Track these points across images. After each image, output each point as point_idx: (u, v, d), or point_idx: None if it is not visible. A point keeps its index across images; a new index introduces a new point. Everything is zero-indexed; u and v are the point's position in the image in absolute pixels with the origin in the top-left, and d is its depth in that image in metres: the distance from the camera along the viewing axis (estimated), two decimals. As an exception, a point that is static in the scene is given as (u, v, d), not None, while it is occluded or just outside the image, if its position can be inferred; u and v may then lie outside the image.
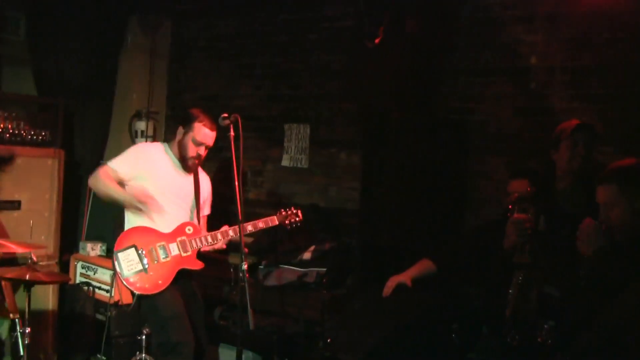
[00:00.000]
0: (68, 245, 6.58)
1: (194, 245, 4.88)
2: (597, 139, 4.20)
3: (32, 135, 6.07)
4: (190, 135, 4.94)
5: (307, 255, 5.72)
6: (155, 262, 4.76)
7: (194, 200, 5.10)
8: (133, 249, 4.75)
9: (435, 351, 4.57)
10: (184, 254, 4.85)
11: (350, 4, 6.20)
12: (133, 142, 7.36)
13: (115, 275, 4.92)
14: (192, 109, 5.09)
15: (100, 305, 5.97)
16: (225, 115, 4.45)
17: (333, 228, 6.12)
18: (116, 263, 4.71)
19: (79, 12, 6.80)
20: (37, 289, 4.65)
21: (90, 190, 7.10)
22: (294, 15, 6.84)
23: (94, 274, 6.17)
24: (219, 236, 4.93)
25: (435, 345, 4.58)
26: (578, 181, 4.23)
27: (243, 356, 4.31)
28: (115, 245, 4.77)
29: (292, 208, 5.21)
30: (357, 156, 6.30)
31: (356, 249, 5.77)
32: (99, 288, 6.04)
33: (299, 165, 6.70)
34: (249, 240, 5.94)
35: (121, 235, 4.82)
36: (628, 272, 3.30)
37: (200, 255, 4.98)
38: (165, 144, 5.12)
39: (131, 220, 4.94)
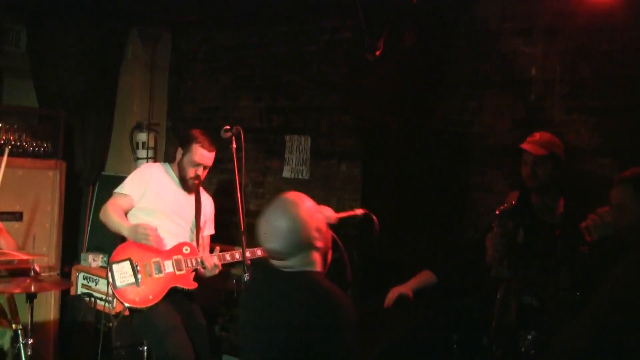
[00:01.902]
0: (69, 256, 6.61)
1: (189, 264, 4.92)
2: (543, 159, 4.23)
3: (33, 147, 6.11)
4: (189, 156, 5.02)
5: (307, 267, 5.73)
6: (148, 277, 4.79)
7: (194, 221, 5.17)
8: (128, 262, 4.78)
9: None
10: (177, 272, 4.88)
11: (349, 16, 6.23)
12: (134, 154, 7.38)
13: (108, 285, 4.95)
14: (192, 130, 5.14)
15: (101, 316, 5.98)
16: (227, 127, 4.48)
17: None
18: (109, 274, 4.74)
19: (79, 25, 6.85)
20: (38, 300, 4.67)
21: (91, 201, 7.15)
22: (292, 27, 6.87)
23: (95, 285, 6.20)
24: (215, 258, 4.97)
25: (436, 356, 4.61)
26: (544, 194, 4.30)
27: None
28: (112, 256, 4.81)
29: None
30: (357, 168, 6.32)
31: (356, 260, 5.78)
32: (100, 299, 6.07)
33: (300, 176, 6.73)
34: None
35: (119, 247, 4.86)
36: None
37: (197, 276, 5.02)
38: (167, 164, 5.22)
39: None
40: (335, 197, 6.49)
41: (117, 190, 5.04)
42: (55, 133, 6.31)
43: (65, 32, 6.83)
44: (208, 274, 4.99)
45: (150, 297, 4.76)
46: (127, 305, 4.77)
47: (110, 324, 5.80)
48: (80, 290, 6.35)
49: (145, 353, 4.99)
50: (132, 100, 7.54)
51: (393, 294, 4.57)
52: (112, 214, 4.90)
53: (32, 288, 4.34)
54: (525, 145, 4.28)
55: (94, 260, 6.51)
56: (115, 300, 5.69)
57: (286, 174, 6.83)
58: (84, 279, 6.36)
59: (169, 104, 7.90)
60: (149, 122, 7.51)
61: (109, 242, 6.20)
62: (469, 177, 5.74)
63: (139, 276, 4.76)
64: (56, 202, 6.18)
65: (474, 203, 5.68)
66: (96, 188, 7.22)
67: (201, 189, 5.25)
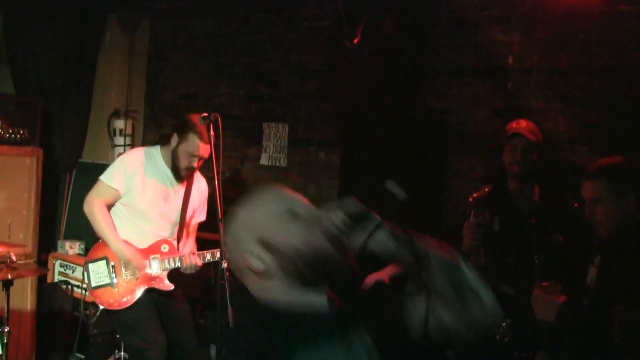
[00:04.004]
0: (46, 244, 6.57)
1: (167, 265, 4.76)
2: (534, 146, 4.25)
3: (10, 134, 6.06)
4: (185, 146, 4.72)
5: (286, 254, 5.74)
6: (124, 278, 4.70)
7: (179, 214, 4.92)
8: (104, 262, 4.69)
9: (413, 348, 4.61)
10: (154, 273, 4.75)
11: (328, 4, 6.22)
12: (111, 141, 7.34)
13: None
14: (190, 116, 4.77)
15: (78, 303, 5.96)
16: (205, 114, 4.45)
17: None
18: (85, 273, 4.67)
19: (57, 11, 6.79)
20: (15, 288, 4.64)
21: (68, 188, 7.11)
22: (272, 14, 6.85)
23: (73, 272, 6.17)
24: (195, 257, 4.80)
25: (413, 342, 4.62)
26: (524, 182, 4.31)
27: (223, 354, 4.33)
28: (88, 254, 4.74)
29: None
30: (336, 155, 6.33)
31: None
32: (78, 287, 6.04)
33: (277, 164, 6.73)
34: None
35: (96, 245, 4.76)
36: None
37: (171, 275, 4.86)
38: (157, 150, 4.91)
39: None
40: (313, 184, 6.50)
41: (105, 180, 4.73)
42: (33, 120, 6.26)
43: (43, 18, 6.77)
44: (187, 272, 4.82)
45: (125, 299, 4.67)
46: (101, 307, 4.74)
47: (88, 312, 5.79)
48: (57, 278, 6.32)
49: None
50: (110, 87, 7.49)
51: (370, 279, 4.58)
52: (102, 223, 4.67)
53: (9, 275, 4.32)
54: (521, 130, 4.27)
55: (71, 248, 6.47)
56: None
57: (264, 161, 6.83)
58: (60, 266, 6.33)
59: (147, 91, 7.86)
60: (126, 109, 7.47)
61: (86, 229, 6.16)
62: (448, 165, 5.77)
63: (114, 276, 4.68)
64: (33, 189, 6.13)
65: (453, 190, 5.70)
66: (73, 175, 7.19)
67: (197, 174, 4.95)
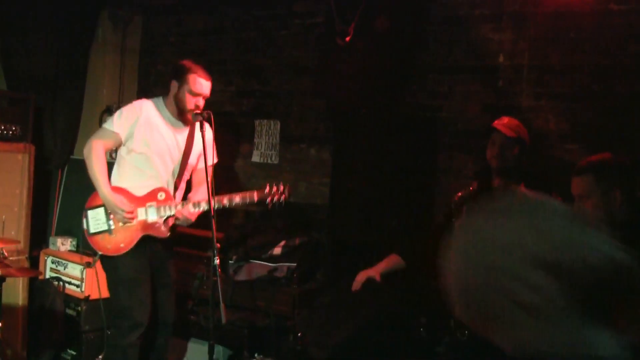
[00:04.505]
0: (38, 240, 6.57)
1: (162, 212, 4.82)
2: (513, 141, 4.31)
3: (2, 130, 6.06)
4: (186, 87, 4.79)
5: (277, 251, 5.76)
6: (121, 224, 4.77)
7: (180, 160, 4.96)
8: (102, 209, 4.78)
9: (404, 344, 4.64)
10: (150, 220, 4.82)
11: (321, 1, 6.24)
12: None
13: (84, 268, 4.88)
14: (182, 61, 4.93)
15: (70, 300, 5.98)
16: (198, 111, 4.47)
17: (303, 223, 6.16)
18: (84, 220, 4.78)
19: (49, 7, 6.78)
20: (7, 284, 4.66)
21: (60, 185, 7.10)
22: (264, 11, 6.85)
23: (64, 269, 6.17)
24: (191, 207, 4.82)
25: (403, 338, 4.66)
26: (508, 179, 4.36)
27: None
28: (88, 201, 4.82)
29: (281, 185, 4.93)
30: (327, 152, 6.35)
31: (326, 244, 5.82)
32: (69, 283, 6.05)
33: (269, 161, 6.74)
34: (219, 235, 5.97)
35: (94, 193, 4.81)
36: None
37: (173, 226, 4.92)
38: (159, 99, 4.97)
39: (117, 176, 4.91)
40: (304, 181, 6.52)
41: (106, 126, 4.86)
42: (25, 116, 6.25)
43: (35, 15, 6.76)
44: (182, 223, 4.91)
45: (122, 245, 4.76)
46: (99, 252, 4.79)
47: (80, 308, 5.80)
48: (49, 274, 6.32)
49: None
50: (102, 84, 7.47)
51: (361, 277, 4.61)
52: (96, 165, 4.73)
53: (0, 272, 4.33)
54: (498, 126, 4.33)
55: (63, 244, 6.48)
56: (84, 284, 5.73)
57: (255, 158, 6.84)
58: (52, 262, 6.33)
59: (139, 88, 7.85)
60: (118, 105, 7.44)
61: (78, 225, 6.18)
62: (439, 162, 5.79)
63: (112, 223, 4.77)
64: (25, 185, 6.13)
65: (443, 187, 5.73)
66: (65, 172, 7.18)
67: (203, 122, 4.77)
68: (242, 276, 5.73)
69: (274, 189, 4.90)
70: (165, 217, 4.84)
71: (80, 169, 4.99)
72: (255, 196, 4.89)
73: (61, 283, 6.10)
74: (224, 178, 6.89)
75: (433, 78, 5.83)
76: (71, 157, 7.25)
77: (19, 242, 5.92)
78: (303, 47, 6.57)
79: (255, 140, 6.82)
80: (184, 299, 5.82)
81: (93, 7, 7.30)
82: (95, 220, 4.77)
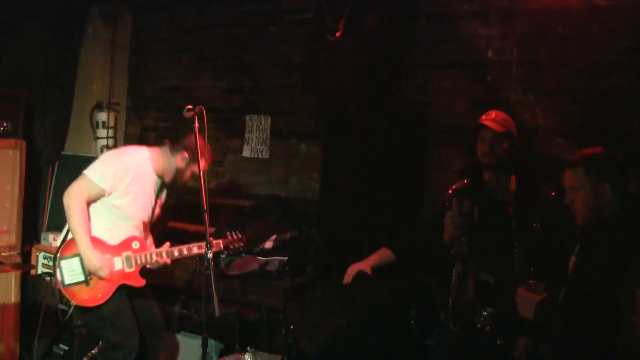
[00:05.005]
0: (29, 236, 6.58)
1: (139, 261, 4.80)
2: (502, 136, 4.33)
3: (-7, 127, 6.06)
4: (193, 168, 4.85)
5: (268, 245, 5.79)
6: (93, 273, 4.68)
7: (151, 214, 5.00)
8: (77, 259, 4.66)
9: (395, 337, 4.69)
10: (127, 270, 4.78)
11: (311, -3, 6.29)
12: (94, 133, 7.36)
13: (54, 279, 4.78)
14: (201, 140, 4.58)
15: (62, 295, 5.97)
16: (190, 107, 4.49)
17: (293, 218, 6.19)
18: (58, 270, 4.64)
19: (39, 3, 6.78)
20: (-2, 279, 4.66)
21: (51, 181, 7.12)
22: (254, 7, 6.88)
23: (56, 264, 6.17)
24: (164, 255, 4.86)
25: (394, 331, 4.70)
26: (499, 172, 4.41)
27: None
28: (61, 251, 4.69)
29: (238, 233, 5.08)
30: (317, 147, 6.39)
31: (317, 238, 5.85)
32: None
33: (259, 156, 6.77)
34: (211, 230, 5.99)
35: (69, 241, 4.71)
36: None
37: (143, 270, 4.91)
38: (146, 155, 4.91)
39: (91, 225, 4.79)
40: (295, 176, 6.56)
41: (93, 178, 4.68)
42: (16, 112, 6.25)
43: (25, 11, 6.76)
44: (155, 267, 4.91)
45: (100, 295, 4.69)
46: (74, 303, 4.73)
47: (72, 303, 5.81)
48: (40, 269, 6.33)
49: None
50: (92, 80, 7.49)
51: (352, 270, 4.65)
52: (77, 219, 4.61)
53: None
54: (486, 122, 4.36)
55: (54, 240, 6.47)
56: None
57: (246, 153, 6.88)
58: (44, 258, 6.34)
59: (129, 84, 7.87)
60: (109, 102, 7.49)
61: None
62: (428, 157, 5.84)
63: (88, 274, 4.66)
64: (16, 181, 6.12)
65: (433, 182, 5.77)
66: (56, 167, 7.19)
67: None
68: (233, 270, 5.76)
69: (233, 237, 5.03)
70: (140, 266, 4.84)
71: (71, 165, 4.96)
72: (196, 249, 4.91)
73: (53, 278, 6.10)
74: (214, 173, 6.94)
75: (422, 74, 5.88)
76: (62, 153, 7.26)
77: (9, 237, 5.93)
78: (293, 43, 6.60)
79: (246, 135, 6.85)
80: (176, 293, 5.85)
81: (83, 4, 7.31)
82: (70, 270, 4.64)
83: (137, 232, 4.90)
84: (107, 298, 4.70)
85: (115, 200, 4.74)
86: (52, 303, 6.01)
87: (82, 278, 4.65)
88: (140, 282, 4.85)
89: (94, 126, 7.39)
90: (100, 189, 4.67)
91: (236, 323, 5.50)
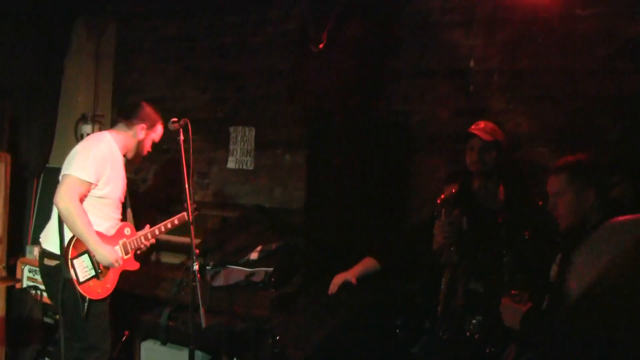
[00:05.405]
0: (14, 249, 6.57)
1: (133, 246, 4.98)
2: (490, 145, 4.38)
3: (-23, 140, 6.05)
4: (153, 135, 5.05)
5: (254, 256, 5.80)
6: (105, 267, 4.80)
7: (126, 190, 5.13)
8: (86, 255, 4.73)
9: (380, 346, 4.71)
10: (125, 257, 4.92)
11: (295, 8, 6.30)
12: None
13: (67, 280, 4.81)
14: (149, 106, 5.08)
15: (48, 308, 5.98)
16: (175, 119, 4.52)
17: (279, 228, 6.21)
18: (72, 270, 4.66)
19: (24, 15, 6.78)
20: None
21: (36, 193, 7.10)
22: (238, 17, 6.89)
23: (42, 277, 6.16)
24: (149, 236, 5.07)
25: (379, 340, 4.72)
26: (487, 181, 4.44)
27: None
28: (71, 252, 4.70)
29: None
30: (302, 157, 6.39)
31: (302, 248, 5.87)
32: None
33: (244, 167, 6.77)
34: (197, 241, 6.01)
35: (75, 241, 4.72)
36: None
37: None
38: (111, 136, 4.98)
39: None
40: (280, 186, 6.57)
41: (78, 175, 4.66)
42: (1, 125, 6.26)
43: (10, 23, 6.76)
44: (143, 249, 5.14)
45: (108, 286, 4.83)
46: (89, 298, 4.72)
47: (57, 316, 5.80)
48: (26, 283, 6.33)
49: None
50: (77, 92, 7.47)
51: (337, 280, 4.66)
52: (80, 221, 4.63)
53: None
54: (475, 131, 4.40)
55: (40, 253, 6.48)
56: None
57: (230, 165, 6.88)
58: (29, 271, 6.34)
59: (114, 95, 7.84)
60: (94, 114, 7.48)
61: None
62: (412, 165, 5.86)
63: (98, 267, 4.75)
64: (1, 194, 6.12)
65: (416, 190, 5.79)
66: (41, 180, 7.18)
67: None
68: (219, 281, 5.76)
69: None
70: (136, 250, 5.04)
71: (56, 178, 4.91)
72: (177, 220, 5.21)
73: (38, 292, 6.11)
74: (199, 184, 6.94)
75: (406, 83, 5.90)
76: (47, 165, 7.25)
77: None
78: (277, 54, 6.61)
79: (231, 147, 6.85)
80: (163, 305, 5.85)
81: (68, 15, 7.31)
82: (82, 268, 4.71)
83: (118, 213, 5.03)
84: (114, 287, 4.85)
85: (99, 191, 4.80)
86: (37, 316, 6.01)
87: (93, 273, 4.74)
88: (136, 266, 5.03)
89: (79, 138, 7.36)
90: (88, 183, 4.72)
91: (223, 334, 5.49)
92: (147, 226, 5.12)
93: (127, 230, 5.01)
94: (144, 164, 6.89)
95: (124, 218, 5.10)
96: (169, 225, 5.18)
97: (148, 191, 7.21)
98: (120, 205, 5.03)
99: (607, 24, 5.07)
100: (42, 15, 6.92)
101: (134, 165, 5.30)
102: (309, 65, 5.76)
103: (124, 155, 5.04)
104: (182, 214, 5.12)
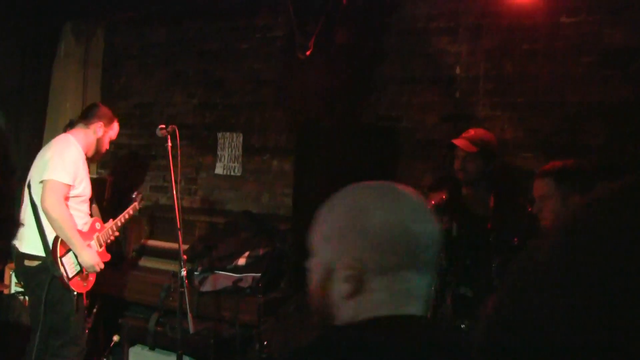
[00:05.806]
0: (2, 255, 6.54)
1: (105, 238, 5.21)
2: (473, 155, 4.42)
3: (-35, 146, 6.04)
4: (110, 133, 5.28)
5: (241, 261, 5.82)
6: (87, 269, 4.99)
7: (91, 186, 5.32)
8: (71, 253, 4.92)
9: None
10: (99, 249, 5.13)
11: (282, 14, 6.33)
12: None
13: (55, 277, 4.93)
14: (103, 106, 5.46)
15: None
16: (163, 126, 4.55)
17: (266, 234, 6.23)
18: (61, 268, 4.82)
19: (10, 21, 6.77)
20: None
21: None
22: (226, 23, 6.92)
23: (30, 283, 6.15)
24: (114, 227, 5.32)
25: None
26: (476, 188, 4.49)
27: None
28: (59, 251, 4.85)
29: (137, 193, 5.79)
30: (289, 163, 6.43)
31: (289, 253, 5.89)
32: (35, 297, 6.03)
33: (232, 173, 6.79)
34: (185, 247, 6.02)
35: (60, 242, 4.86)
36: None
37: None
38: (73, 139, 5.14)
39: None
40: (267, 192, 6.59)
41: (61, 180, 4.81)
42: (-13, 131, 6.25)
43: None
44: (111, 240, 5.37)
45: (91, 278, 5.05)
46: (75, 292, 4.90)
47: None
48: (13, 289, 6.31)
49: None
50: (65, 98, 7.45)
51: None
52: (69, 226, 4.85)
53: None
54: (456, 141, 4.44)
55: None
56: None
57: (218, 170, 6.90)
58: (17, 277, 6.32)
59: (102, 101, 7.79)
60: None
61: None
62: (399, 171, 5.89)
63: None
64: (-11, 200, 6.13)
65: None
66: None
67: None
68: (207, 287, 5.78)
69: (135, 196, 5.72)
70: (107, 242, 5.27)
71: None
72: (131, 210, 5.59)
73: (26, 297, 6.09)
74: (187, 190, 6.96)
75: (392, 89, 5.94)
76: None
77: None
78: (264, 60, 6.65)
79: (219, 153, 6.87)
80: (150, 310, 5.86)
81: (55, 21, 7.30)
82: (70, 264, 4.91)
83: (88, 209, 5.23)
84: (94, 278, 5.07)
85: (75, 190, 4.99)
86: (25, 322, 6.00)
87: (79, 268, 4.94)
88: (107, 257, 5.26)
89: (67, 144, 7.36)
90: (69, 186, 4.90)
91: (210, 339, 5.51)
92: (111, 220, 5.37)
93: (98, 225, 5.25)
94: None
95: (91, 213, 5.29)
96: (127, 216, 5.49)
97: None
98: (89, 202, 5.22)
99: (591, 31, 5.12)
100: (29, 20, 6.92)
101: (93, 162, 5.67)
102: (297, 72, 5.80)
103: (86, 154, 5.19)
104: (133, 204, 5.57)
